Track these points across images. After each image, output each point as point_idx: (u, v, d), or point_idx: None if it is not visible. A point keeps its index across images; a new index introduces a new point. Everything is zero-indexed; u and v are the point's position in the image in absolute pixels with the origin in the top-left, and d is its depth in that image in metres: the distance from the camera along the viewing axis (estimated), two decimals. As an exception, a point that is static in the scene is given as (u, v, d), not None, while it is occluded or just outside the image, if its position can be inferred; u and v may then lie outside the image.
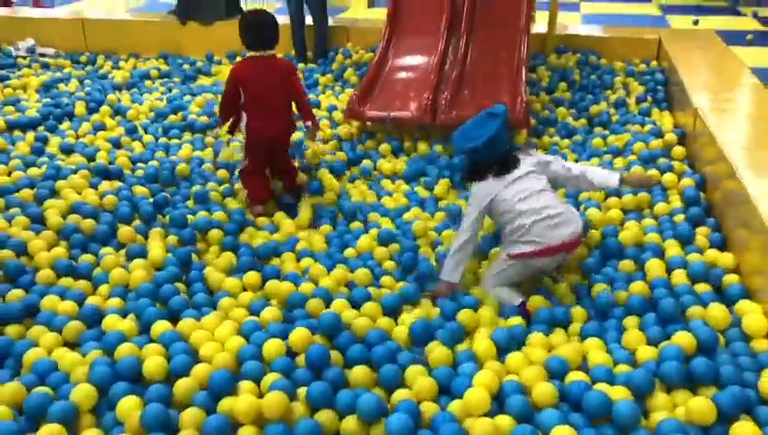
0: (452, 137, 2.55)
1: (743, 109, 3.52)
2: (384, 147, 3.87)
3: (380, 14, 8.01)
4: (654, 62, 5.00)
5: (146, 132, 4.20)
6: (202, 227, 2.96)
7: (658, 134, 3.75)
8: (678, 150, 3.48)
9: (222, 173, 3.55)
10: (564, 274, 2.67)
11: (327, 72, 5.33)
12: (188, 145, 3.91)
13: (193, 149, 3.87)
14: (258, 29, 3.09)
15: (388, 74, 4.18)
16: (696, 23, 7.76)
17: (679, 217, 2.87)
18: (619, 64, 5.01)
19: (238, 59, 5.60)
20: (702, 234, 2.74)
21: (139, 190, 3.25)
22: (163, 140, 4.05)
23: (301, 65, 5.54)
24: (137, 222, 3.01)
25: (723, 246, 2.69)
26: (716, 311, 2.17)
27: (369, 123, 4.04)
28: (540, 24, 5.32)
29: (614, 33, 5.43)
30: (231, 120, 3.25)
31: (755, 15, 8.22)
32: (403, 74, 4.17)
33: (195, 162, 3.70)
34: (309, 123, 3.24)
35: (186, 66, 5.70)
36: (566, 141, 3.93)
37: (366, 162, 3.74)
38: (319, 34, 5.56)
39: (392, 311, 2.37)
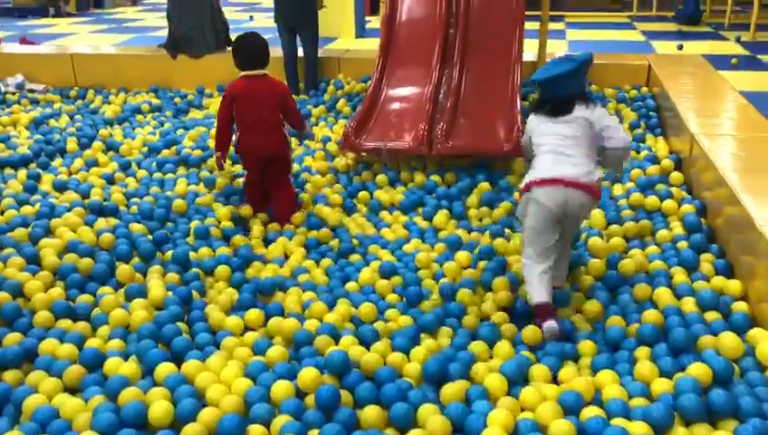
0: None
1: (738, 133, 3.54)
2: (381, 178, 3.85)
3: (370, 43, 8.07)
4: (644, 88, 5.05)
5: (139, 167, 4.16)
6: (206, 266, 2.92)
7: (654, 160, 3.78)
8: (676, 176, 3.50)
9: (221, 209, 3.52)
10: (574, 307, 2.64)
11: (320, 103, 5.34)
12: (183, 180, 3.87)
13: (188, 184, 3.83)
14: (249, 49, 3.33)
15: (383, 105, 4.19)
16: (680, 48, 7.87)
17: (683, 244, 2.87)
18: (610, 91, 5.06)
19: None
20: (707, 260, 2.73)
21: (136, 228, 3.20)
22: (157, 175, 4.01)
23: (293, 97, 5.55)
24: (135, 260, 2.96)
25: (728, 272, 2.68)
26: (729, 340, 2.15)
27: (365, 154, 4.03)
28: (528, 52, 5.36)
29: (603, 60, 5.47)
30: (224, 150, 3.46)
31: (738, 39, 8.35)
32: (398, 105, 4.18)
33: (190, 197, 3.66)
34: (303, 133, 3.66)
35: (177, 100, 5.69)
36: (562, 169, 3.93)
37: (363, 195, 3.72)
38: (310, 66, 5.59)
39: (402, 348, 2.32)
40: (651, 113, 4.51)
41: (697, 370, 1.99)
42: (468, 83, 4.16)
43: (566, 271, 2.72)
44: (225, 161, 3.51)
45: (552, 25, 5.32)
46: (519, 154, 3.71)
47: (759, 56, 7.41)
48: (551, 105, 2.55)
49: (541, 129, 2.57)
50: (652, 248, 2.89)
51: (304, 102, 5.42)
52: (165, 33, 6.05)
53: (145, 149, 4.42)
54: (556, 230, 2.49)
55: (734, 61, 6.94)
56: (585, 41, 8.45)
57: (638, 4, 10.64)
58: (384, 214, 3.59)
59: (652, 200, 3.29)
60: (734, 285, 2.50)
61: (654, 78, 4.99)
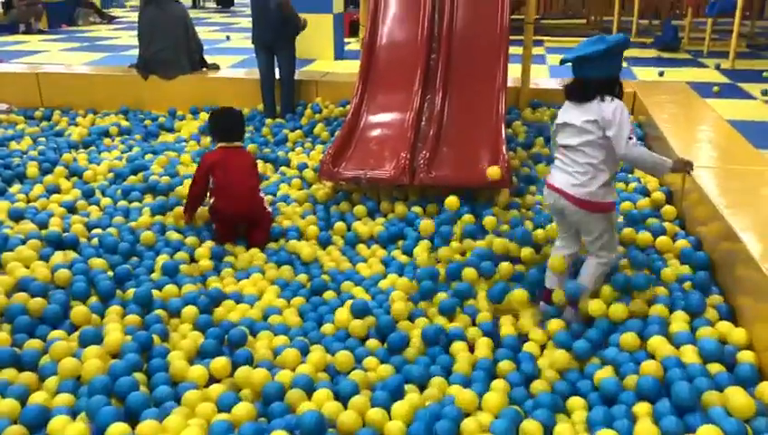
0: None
1: (731, 165, 3.42)
2: (360, 208, 3.66)
3: (348, 66, 7.92)
4: (630, 117, 4.93)
5: (104, 195, 3.92)
6: (171, 307, 2.70)
7: (644, 192, 3.64)
8: (669, 210, 3.35)
9: (190, 241, 3.30)
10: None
11: (296, 127, 5.16)
12: (148, 209, 3.63)
13: (152, 214, 3.59)
14: (226, 124, 3.46)
15: (363, 132, 4.01)
16: (661, 74, 7.84)
17: (687, 285, 2.71)
18: (595, 118, 4.93)
19: (202, 114, 5.42)
20: (709, 304, 2.57)
21: (96, 263, 2.96)
22: (123, 203, 3.77)
23: (269, 120, 5.36)
24: (93, 299, 2.72)
25: (731, 317, 2.52)
26: (739, 398, 1.96)
27: (343, 184, 3.84)
28: (510, 77, 5.24)
29: (588, 87, 5.37)
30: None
31: (717, 67, 8.35)
32: (378, 132, 4.00)
33: (157, 227, 3.43)
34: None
35: (147, 122, 5.46)
36: (549, 200, 3.77)
37: (340, 226, 3.52)
38: (286, 88, 5.41)
39: (383, 403, 2.12)
40: (639, 142, 4.38)
41: (708, 433, 1.81)
42: (451, 110, 3.99)
43: (592, 277, 2.65)
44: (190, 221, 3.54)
45: (533, 50, 5.24)
46: (504, 185, 3.56)
47: (739, 84, 7.39)
48: (574, 87, 2.57)
49: (558, 123, 2.61)
50: (656, 289, 2.71)
51: (280, 126, 5.23)
52: (138, 52, 5.84)
53: (111, 175, 4.18)
54: (565, 225, 2.68)
55: (715, 89, 6.90)
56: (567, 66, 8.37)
57: (618, 30, 10.64)
58: (361, 247, 3.40)
59: (644, 236, 3.14)
60: (738, 333, 2.33)
61: (640, 106, 4.89)
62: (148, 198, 3.85)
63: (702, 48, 9.49)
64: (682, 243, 3.02)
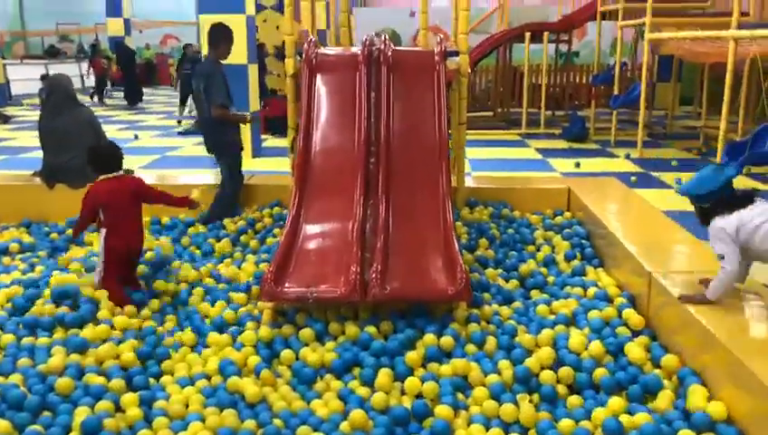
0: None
1: (691, 266, 3.35)
2: (306, 332, 3.29)
3: (267, 164, 7.66)
4: (567, 213, 4.90)
5: (3, 331, 3.36)
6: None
7: (606, 298, 3.49)
8: (636, 320, 3.20)
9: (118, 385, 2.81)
10: None
11: (221, 236, 4.77)
12: (61, 348, 3.11)
13: (67, 353, 3.09)
14: (103, 157, 3.66)
15: (303, 244, 3.69)
16: (577, 165, 8.04)
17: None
18: (535, 217, 4.86)
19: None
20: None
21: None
22: (28, 340, 3.23)
23: (190, 229, 4.95)
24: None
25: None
26: None
27: (286, 304, 3.48)
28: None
29: (523, 184, 5.35)
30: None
31: (627, 157, 8.68)
32: (320, 244, 3.69)
33: (73, 370, 2.93)
34: (188, 204, 3.92)
35: (53, 235, 4.92)
36: (506, 309, 3.55)
37: (286, 354, 3.13)
38: (219, 198, 5.05)
39: None
40: (584, 241, 4.30)
41: None
42: (396, 219, 3.75)
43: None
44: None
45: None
46: (463, 298, 3.31)
47: (653, 173, 7.66)
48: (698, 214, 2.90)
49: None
50: (643, 416, 2.49)
51: (204, 236, 4.83)
52: (41, 154, 5.34)
53: (9, 305, 3.62)
54: None
55: (633, 179, 7.10)
56: (486, 159, 8.48)
57: (527, 122, 11.01)
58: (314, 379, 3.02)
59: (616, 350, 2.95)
60: None
61: (576, 202, 4.86)
62: (59, 333, 3.33)
63: (609, 138, 9.92)
64: (670, 360, 2.84)
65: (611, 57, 14.80)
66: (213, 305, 3.65)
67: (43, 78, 11.74)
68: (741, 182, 7.02)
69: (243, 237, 4.76)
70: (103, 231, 3.59)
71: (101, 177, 3.62)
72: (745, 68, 7.52)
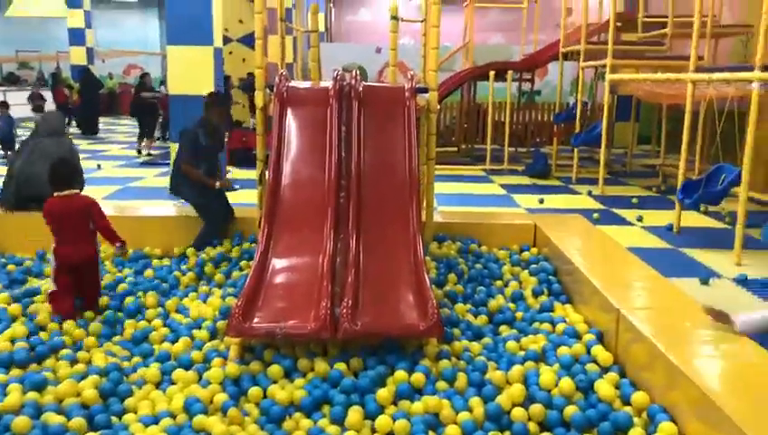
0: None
1: (658, 303, 3.40)
2: (274, 369, 3.22)
3: (233, 196, 7.58)
4: (534, 249, 4.95)
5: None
6: None
7: (575, 334, 3.51)
8: (605, 356, 3.22)
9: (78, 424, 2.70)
10: None
11: (187, 269, 4.69)
12: (17, 386, 2.98)
13: (24, 391, 2.96)
14: (60, 174, 3.90)
15: (272, 279, 3.63)
16: (541, 201, 8.16)
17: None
18: (502, 253, 4.90)
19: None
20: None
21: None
22: (-19, 378, 3.10)
23: (155, 262, 4.85)
24: None
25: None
26: None
27: (254, 340, 3.41)
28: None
29: (489, 220, 5.40)
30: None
31: (590, 193, 8.85)
32: (290, 278, 3.64)
33: (30, 410, 2.80)
34: (117, 244, 4.07)
35: (10, 267, 4.76)
36: (476, 345, 3.54)
37: (254, 392, 3.06)
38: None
39: None
40: (551, 277, 4.34)
41: None
42: (367, 254, 3.73)
43: None
44: None
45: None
46: (435, 334, 3.29)
47: (614, 210, 7.82)
48: None
49: None
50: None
51: (169, 269, 4.74)
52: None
53: (-38, 340, 3.48)
54: None
55: (596, 216, 7.23)
56: (452, 194, 8.55)
57: (491, 158, 11.17)
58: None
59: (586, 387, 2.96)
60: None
61: (542, 238, 4.92)
62: (15, 371, 3.20)
63: (570, 175, 10.12)
64: (640, 398, 2.86)
65: (571, 96, 15.21)
66: (177, 341, 3.55)
67: (1, 105, 11.50)
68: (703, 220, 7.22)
69: (208, 270, 4.68)
70: (54, 239, 3.90)
71: (56, 194, 3.87)
72: (701, 109, 7.79)
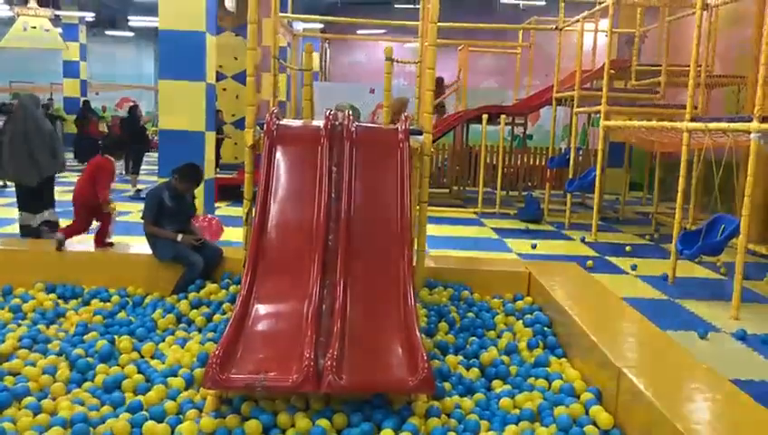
0: None
1: (661, 360, 3.23)
2: (252, 424, 3.00)
3: (226, 235, 7.39)
4: (528, 298, 4.78)
5: None
6: None
7: (572, 393, 3.33)
8: (605, 418, 3.03)
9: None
10: None
11: (166, 311, 4.48)
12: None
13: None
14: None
15: (253, 326, 3.43)
16: (534, 246, 8.03)
17: None
18: (495, 301, 4.73)
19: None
20: None
21: None
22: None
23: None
24: None
25: None
26: None
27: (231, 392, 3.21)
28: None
29: (482, 266, 5.25)
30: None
31: (583, 240, 8.73)
32: (272, 326, 3.45)
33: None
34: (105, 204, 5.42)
35: (-21, 304, 4.55)
36: (468, 402, 3.34)
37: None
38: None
39: None
40: (546, 329, 4.17)
41: None
42: (354, 302, 3.54)
43: None
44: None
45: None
46: (425, 390, 3.10)
47: (608, 257, 7.69)
48: None
49: None
50: None
51: (144, 312, 4.53)
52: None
53: None
54: None
55: (589, 263, 7.09)
56: (443, 236, 8.40)
57: (482, 202, 11.07)
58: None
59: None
60: None
61: (537, 287, 4.76)
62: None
63: (563, 220, 10.01)
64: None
65: (563, 141, 15.23)
66: (150, 391, 3.34)
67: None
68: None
69: (187, 311, 4.48)
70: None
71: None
72: (695, 159, 7.74)
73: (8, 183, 9.18)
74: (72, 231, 5.40)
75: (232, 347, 3.23)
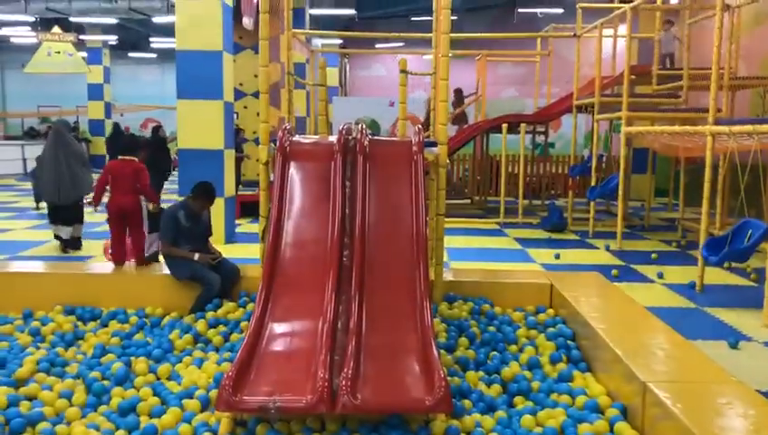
0: None
1: (687, 376, 3.10)
2: (268, 447, 2.96)
3: (240, 250, 7.39)
4: (550, 310, 4.67)
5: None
6: None
7: (596, 409, 3.21)
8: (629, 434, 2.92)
9: None
10: None
11: (183, 331, 4.46)
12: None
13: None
14: (122, 145, 5.79)
15: (267, 347, 3.38)
16: (557, 257, 7.89)
17: None
18: (517, 314, 4.62)
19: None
20: None
21: None
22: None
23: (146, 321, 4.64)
24: None
25: None
26: None
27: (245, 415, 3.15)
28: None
29: (503, 278, 5.14)
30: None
31: (607, 248, 8.57)
32: (286, 346, 3.39)
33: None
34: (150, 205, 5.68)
35: None
36: (489, 420, 3.24)
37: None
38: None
39: None
40: (569, 343, 4.06)
41: None
42: (370, 319, 3.48)
43: None
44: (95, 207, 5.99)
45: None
46: (442, 410, 3.01)
47: (633, 266, 7.52)
48: None
49: None
50: None
51: (162, 332, 4.50)
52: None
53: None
54: None
55: (614, 272, 6.94)
56: (464, 248, 8.30)
57: (505, 212, 10.94)
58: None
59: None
60: None
61: (559, 299, 4.65)
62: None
63: (587, 228, 9.83)
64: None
65: (586, 148, 15.05)
66: (165, 413, 3.30)
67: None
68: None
69: (204, 330, 4.44)
70: (108, 193, 5.40)
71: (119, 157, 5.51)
72: (721, 162, 7.56)
73: (40, 205, 9.84)
74: (121, 243, 5.40)
75: (245, 368, 3.18)
